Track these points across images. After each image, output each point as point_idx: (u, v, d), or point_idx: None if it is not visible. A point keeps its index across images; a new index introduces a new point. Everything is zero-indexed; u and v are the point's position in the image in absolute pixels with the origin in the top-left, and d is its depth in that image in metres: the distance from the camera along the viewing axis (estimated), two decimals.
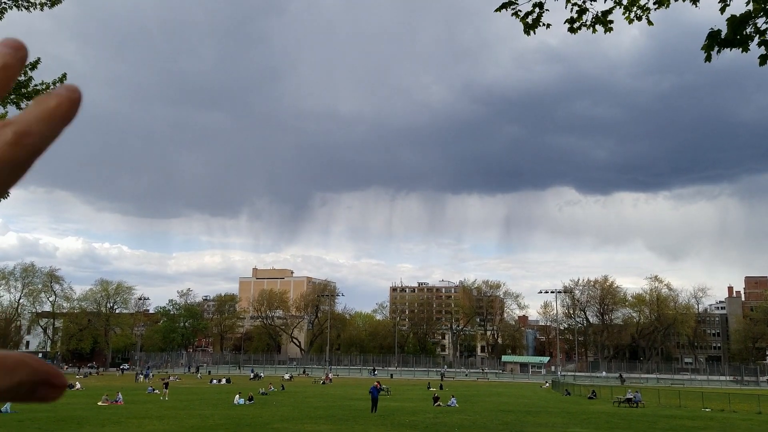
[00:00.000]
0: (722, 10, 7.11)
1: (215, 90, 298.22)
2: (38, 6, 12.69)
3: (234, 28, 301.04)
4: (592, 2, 8.36)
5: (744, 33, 7.01)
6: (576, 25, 8.48)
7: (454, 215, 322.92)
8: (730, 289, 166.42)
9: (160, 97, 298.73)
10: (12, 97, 14.23)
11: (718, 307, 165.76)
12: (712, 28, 7.12)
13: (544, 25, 8.56)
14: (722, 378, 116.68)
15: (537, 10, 8.39)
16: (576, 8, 8.37)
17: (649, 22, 8.47)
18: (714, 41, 7.13)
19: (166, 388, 55.91)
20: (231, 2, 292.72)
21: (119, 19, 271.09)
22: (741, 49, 7.14)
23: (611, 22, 8.44)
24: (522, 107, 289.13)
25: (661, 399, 56.42)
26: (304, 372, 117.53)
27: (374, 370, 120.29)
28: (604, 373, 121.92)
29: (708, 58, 7.28)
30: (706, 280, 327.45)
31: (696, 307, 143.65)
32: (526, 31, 8.58)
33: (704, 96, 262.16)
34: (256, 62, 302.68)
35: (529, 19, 8.44)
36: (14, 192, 16.25)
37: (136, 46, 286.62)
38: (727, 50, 7.21)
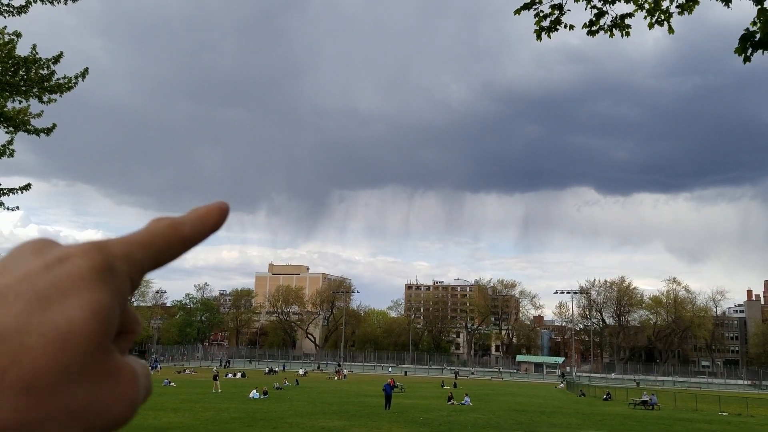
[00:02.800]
0: (759, 16, 6.82)
1: (236, 86, 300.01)
2: (62, 0, 12.84)
3: (255, 24, 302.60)
4: (611, 5, 8.24)
5: None
6: (594, 28, 8.38)
7: (471, 214, 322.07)
8: (749, 292, 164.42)
9: (181, 92, 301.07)
10: (35, 90, 14.45)
11: (736, 311, 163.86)
12: (746, 30, 6.92)
13: (564, 26, 8.47)
14: (740, 382, 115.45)
15: (556, 12, 8.31)
16: (594, 11, 8.26)
17: (671, 30, 8.28)
18: (746, 43, 6.95)
19: (216, 380, 56.06)
20: None
21: (143, 15, 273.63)
22: None
23: (629, 26, 8.32)
24: (542, 107, 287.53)
25: (677, 402, 55.94)
26: (318, 368, 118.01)
27: (339, 365, 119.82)
28: (613, 375, 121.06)
29: (746, 60, 7.03)
30: (726, 283, 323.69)
31: (714, 309, 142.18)
32: (538, 37, 8.49)
33: (727, 97, 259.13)
34: (277, 59, 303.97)
35: (547, 21, 8.36)
36: (36, 185, 16.45)
37: (159, 42, 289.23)
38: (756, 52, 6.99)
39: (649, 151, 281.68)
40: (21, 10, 13.08)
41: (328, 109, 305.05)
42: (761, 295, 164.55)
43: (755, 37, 6.88)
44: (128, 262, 0.48)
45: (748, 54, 6.97)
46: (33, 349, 0.40)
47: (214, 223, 0.52)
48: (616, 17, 8.31)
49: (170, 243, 0.50)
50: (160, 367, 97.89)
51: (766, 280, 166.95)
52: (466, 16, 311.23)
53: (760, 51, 6.97)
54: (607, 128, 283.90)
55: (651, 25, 8.32)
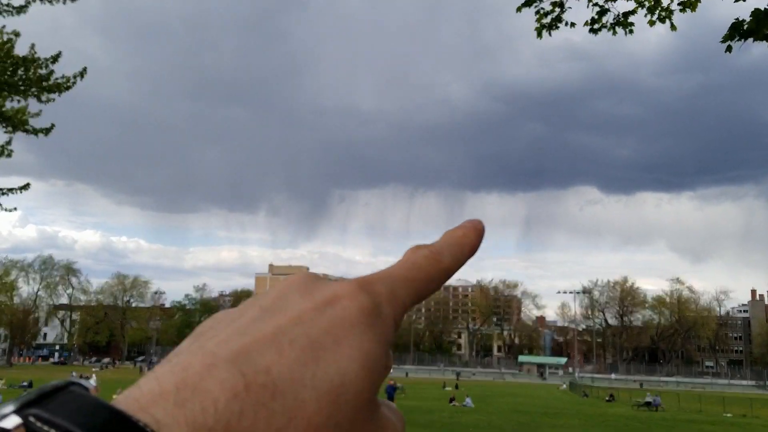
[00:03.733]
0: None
1: (235, 84, 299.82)
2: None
3: (255, 22, 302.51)
4: (613, 2, 8.15)
5: None
6: (596, 26, 8.28)
7: (473, 213, 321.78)
8: (753, 292, 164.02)
9: (180, 91, 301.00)
10: (33, 89, 14.28)
11: (740, 311, 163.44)
12: (736, 19, 6.85)
13: (566, 24, 8.36)
14: (744, 382, 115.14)
15: (557, 9, 8.21)
16: (597, 9, 8.16)
17: (673, 27, 8.17)
18: (736, 32, 6.87)
19: None
20: None
21: (142, 13, 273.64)
22: (764, 40, 6.87)
23: (632, 24, 8.20)
24: (544, 105, 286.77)
25: (681, 403, 55.68)
26: None
27: None
28: (613, 375, 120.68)
29: (728, 49, 6.99)
30: (729, 283, 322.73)
31: (718, 309, 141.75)
32: (539, 34, 8.41)
33: (730, 95, 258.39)
34: (277, 57, 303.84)
35: (548, 19, 8.26)
36: (35, 185, 16.30)
37: (158, 40, 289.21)
38: (754, 50, 6.94)
39: (652, 149, 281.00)
40: (20, 9, 12.94)
41: (328, 108, 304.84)
42: (765, 295, 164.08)
43: (744, 26, 6.81)
44: (393, 303, 0.46)
45: (735, 41, 6.89)
46: (307, 405, 0.39)
47: (471, 247, 0.50)
48: (618, 15, 8.20)
49: (431, 276, 0.48)
50: None
51: None
52: (467, 14, 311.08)
53: (749, 40, 6.91)
54: (610, 126, 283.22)
55: (652, 23, 8.22)
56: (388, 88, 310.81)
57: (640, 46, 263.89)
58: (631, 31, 8.32)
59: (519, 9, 8.31)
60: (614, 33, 8.39)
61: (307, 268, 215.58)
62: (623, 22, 8.24)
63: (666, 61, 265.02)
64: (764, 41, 6.87)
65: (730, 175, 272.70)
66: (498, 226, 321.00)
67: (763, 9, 6.71)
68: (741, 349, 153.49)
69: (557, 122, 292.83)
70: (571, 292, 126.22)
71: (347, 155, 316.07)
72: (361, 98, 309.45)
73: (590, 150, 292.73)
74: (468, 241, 0.50)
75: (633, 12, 8.22)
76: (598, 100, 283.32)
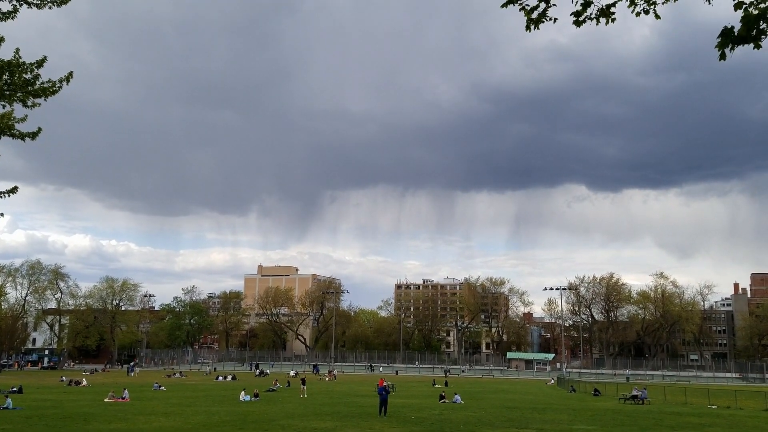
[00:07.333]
0: (737, 6, 6.99)
1: (226, 89, 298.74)
2: (48, 4, 12.72)
3: (246, 27, 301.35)
4: None
5: (758, 28, 6.92)
6: (581, 18, 8.48)
7: (462, 213, 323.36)
8: (736, 285, 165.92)
9: (172, 96, 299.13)
10: (19, 94, 14.29)
11: (724, 304, 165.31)
12: (726, 26, 7.05)
13: (550, 19, 8.54)
14: (728, 375, 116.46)
15: (543, 4, 8.39)
16: (581, 1, 8.38)
17: (657, 16, 8.41)
18: (728, 39, 7.06)
19: (304, 384, 55.25)
20: (243, 2, 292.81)
21: (133, 19, 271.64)
22: (754, 45, 7.05)
23: (613, 12, 8.44)
24: (531, 106, 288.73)
25: (666, 396, 56.30)
26: (314, 369, 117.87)
27: (315, 366, 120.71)
28: (602, 370, 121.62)
29: (722, 57, 7.18)
30: (714, 277, 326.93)
31: (702, 303, 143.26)
32: (528, 27, 8.61)
33: (714, 93, 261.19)
34: (268, 61, 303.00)
35: (535, 14, 8.44)
36: (24, 190, 16.31)
37: (150, 45, 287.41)
38: (737, 49, 7.13)
39: (638, 147, 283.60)
40: (8, 15, 12.94)
41: (319, 111, 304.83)
42: (748, 289, 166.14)
43: (735, 32, 7.00)
44: None
45: (729, 49, 7.09)
46: None
47: None
48: (602, 6, 8.43)
49: None
50: (138, 371, 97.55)
51: (752, 274, 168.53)
52: (454, 17, 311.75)
53: (740, 46, 7.11)
54: (597, 126, 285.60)
55: (637, 14, 8.39)
56: (378, 90, 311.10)
57: (624, 46, 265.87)
58: (613, 20, 8.54)
59: (505, 5, 8.52)
60: (597, 23, 8.61)
61: (297, 269, 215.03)
62: (606, 12, 8.45)
63: (650, 61, 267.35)
64: (754, 45, 7.03)
65: (715, 171, 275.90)
66: (487, 225, 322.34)
67: (754, 13, 6.86)
68: (725, 342, 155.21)
69: (545, 122, 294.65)
70: (557, 289, 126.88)
71: (338, 157, 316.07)
72: (352, 101, 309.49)
73: (578, 148, 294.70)
74: None
75: (614, 4, 8.40)
76: (584, 99, 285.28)
